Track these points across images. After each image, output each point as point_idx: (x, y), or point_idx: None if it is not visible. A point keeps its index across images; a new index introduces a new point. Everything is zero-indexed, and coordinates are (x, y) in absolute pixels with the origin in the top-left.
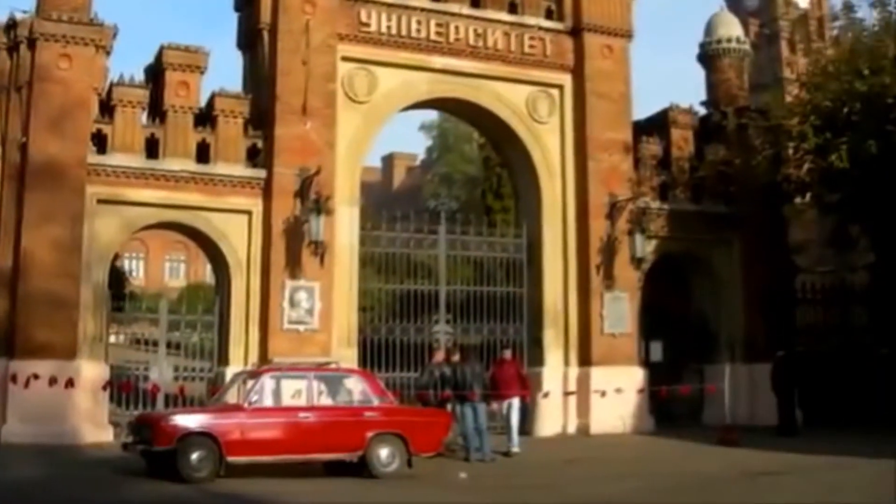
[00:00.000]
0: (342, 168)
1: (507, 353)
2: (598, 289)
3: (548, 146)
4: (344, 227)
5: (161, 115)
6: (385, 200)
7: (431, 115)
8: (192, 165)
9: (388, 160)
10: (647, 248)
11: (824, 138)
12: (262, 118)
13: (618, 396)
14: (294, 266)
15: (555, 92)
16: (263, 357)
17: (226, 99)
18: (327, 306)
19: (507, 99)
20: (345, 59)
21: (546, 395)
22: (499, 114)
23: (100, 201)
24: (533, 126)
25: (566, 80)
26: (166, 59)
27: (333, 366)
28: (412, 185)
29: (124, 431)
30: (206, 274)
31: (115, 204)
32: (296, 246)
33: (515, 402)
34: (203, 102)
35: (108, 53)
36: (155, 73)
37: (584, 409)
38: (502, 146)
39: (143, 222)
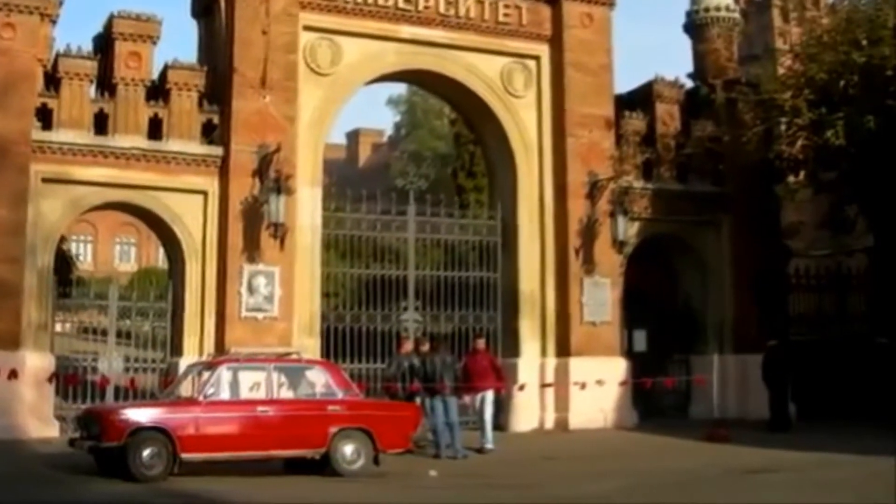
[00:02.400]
0: (304, 145)
1: (481, 343)
2: (578, 274)
3: (524, 121)
4: (306, 208)
5: (110, 89)
6: (350, 179)
7: (399, 89)
8: (143, 142)
9: (354, 136)
10: (629, 230)
11: (819, 113)
12: (218, 92)
13: (599, 389)
14: (252, 250)
15: (531, 64)
16: (220, 347)
17: (180, 71)
18: (288, 293)
19: (481, 71)
20: (307, 28)
21: (522, 387)
22: (471, 87)
23: (45, 180)
24: (508, 100)
25: (543, 50)
26: (116, 28)
27: (294, 356)
28: (379, 163)
29: (71, 426)
30: (159, 258)
31: (62, 183)
32: (254, 228)
33: (489, 396)
34: (155, 75)
35: (53, 22)
36: (104, 44)
37: (562, 403)
38: (475, 121)
39: (92, 203)
